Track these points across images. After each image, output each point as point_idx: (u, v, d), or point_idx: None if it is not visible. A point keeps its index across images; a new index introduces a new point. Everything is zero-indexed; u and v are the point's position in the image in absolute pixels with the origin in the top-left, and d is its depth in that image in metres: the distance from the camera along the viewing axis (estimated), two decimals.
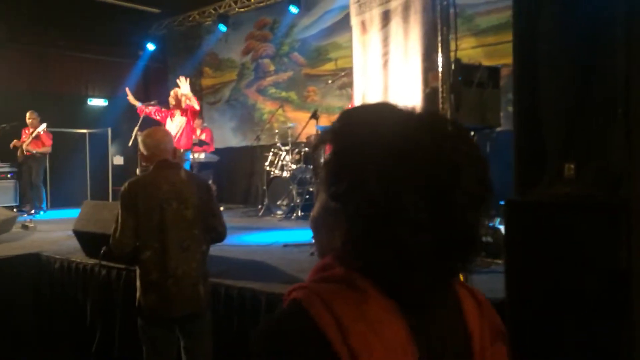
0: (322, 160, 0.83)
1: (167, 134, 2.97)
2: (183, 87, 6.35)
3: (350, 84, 8.61)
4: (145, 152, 2.80)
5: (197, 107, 6.41)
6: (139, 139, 2.92)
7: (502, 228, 3.99)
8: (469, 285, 0.86)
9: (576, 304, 2.19)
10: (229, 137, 10.87)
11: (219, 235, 2.91)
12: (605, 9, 2.17)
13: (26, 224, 6.77)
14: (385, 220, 0.70)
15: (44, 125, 8.57)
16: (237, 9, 10.15)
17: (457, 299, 0.81)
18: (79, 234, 4.46)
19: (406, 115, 0.78)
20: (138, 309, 2.75)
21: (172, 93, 6.51)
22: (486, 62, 4.32)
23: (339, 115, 0.82)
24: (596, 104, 2.20)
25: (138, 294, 2.74)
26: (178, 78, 6.50)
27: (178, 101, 6.43)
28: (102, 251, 4.10)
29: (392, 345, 0.69)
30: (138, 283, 2.75)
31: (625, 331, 2.09)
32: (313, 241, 0.90)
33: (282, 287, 3.38)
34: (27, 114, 8.65)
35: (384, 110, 0.80)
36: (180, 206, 2.73)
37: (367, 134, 0.74)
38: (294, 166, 7.52)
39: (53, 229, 6.82)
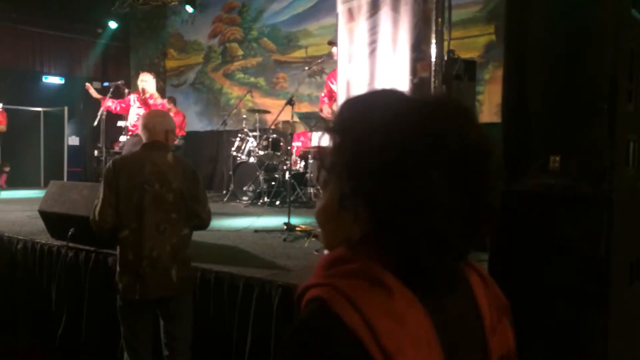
0: (329, 151, 0.78)
1: (161, 114, 2.97)
2: (150, 85, 6.15)
3: (320, 72, 8.63)
4: (139, 132, 2.81)
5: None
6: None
7: None
8: (469, 261, 0.84)
9: (556, 292, 2.27)
10: (193, 121, 10.69)
11: (202, 222, 2.92)
12: (593, 5, 2.25)
13: None
14: (417, 208, 0.69)
15: None
16: None
17: (465, 279, 0.81)
18: (45, 215, 4.31)
19: (422, 100, 0.76)
20: (116, 289, 2.75)
21: (140, 86, 6.26)
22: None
23: (345, 103, 0.80)
24: (582, 98, 2.28)
25: (117, 273, 2.74)
26: (142, 73, 6.27)
27: (144, 98, 6.24)
28: (69, 232, 4.00)
29: (419, 341, 0.68)
30: (117, 262, 2.75)
31: (601, 318, 2.19)
32: (319, 232, 0.87)
33: (259, 272, 3.37)
34: None
35: (397, 97, 0.78)
36: (162, 189, 2.70)
37: (389, 120, 0.72)
38: (261, 152, 7.47)
39: (11, 209, 6.56)
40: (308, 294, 0.73)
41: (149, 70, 6.60)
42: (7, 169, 11.09)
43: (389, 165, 0.69)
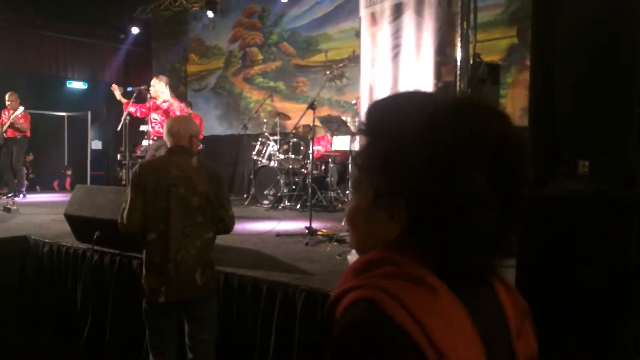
0: (361, 152, 0.79)
1: (186, 120, 3.00)
2: (159, 89, 6.17)
3: (340, 77, 8.64)
4: (164, 137, 2.85)
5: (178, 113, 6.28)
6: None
7: None
8: None
9: (587, 299, 2.24)
10: (214, 125, 10.77)
11: (226, 226, 2.95)
12: (624, 8, 2.22)
13: (8, 206, 6.60)
14: (458, 204, 0.69)
15: (21, 109, 8.35)
16: None
17: (489, 282, 0.82)
18: (71, 218, 4.37)
19: (452, 100, 0.77)
20: (142, 291, 2.77)
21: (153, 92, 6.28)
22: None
23: (373, 105, 0.81)
24: (612, 102, 2.24)
25: (143, 276, 2.76)
26: (154, 81, 6.28)
27: (155, 104, 6.27)
28: (95, 236, 4.06)
29: (467, 339, 0.69)
30: (143, 265, 2.77)
31: (633, 326, 2.15)
32: (349, 235, 0.87)
33: (282, 276, 3.37)
34: (7, 96, 8.42)
35: (425, 97, 0.79)
36: (188, 192, 2.73)
37: (424, 118, 0.73)
38: (281, 156, 7.49)
39: (36, 212, 6.67)
40: (348, 297, 0.72)
41: (163, 74, 6.63)
42: (69, 172, 11.35)
43: (429, 162, 0.70)
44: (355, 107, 6.81)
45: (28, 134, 8.57)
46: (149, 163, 2.81)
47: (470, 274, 0.74)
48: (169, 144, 2.80)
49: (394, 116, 0.76)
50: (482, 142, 0.71)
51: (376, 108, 0.79)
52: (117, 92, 6.60)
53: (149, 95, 6.55)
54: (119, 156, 10.53)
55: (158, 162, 2.80)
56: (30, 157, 10.77)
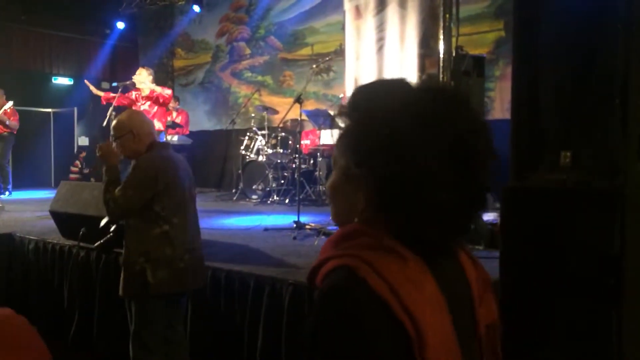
0: (340, 133, 0.88)
1: (141, 115, 3.06)
2: (142, 79, 6.08)
3: (327, 70, 8.62)
4: (139, 132, 2.73)
5: (166, 95, 6.21)
6: (124, 118, 2.85)
7: (483, 216, 4.09)
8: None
9: (569, 289, 2.26)
10: (202, 120, 10.71)
11: None
12: (607, 1, 2.23)
13: None
14: (416, 181, 0.76)
15: (10, 103, 8.26)
16: None
17: (455, 253, 0.90)
18: (56, 215, 4.33)
19: (420, 85, 0.85)
20: (146, 287, 2.65)
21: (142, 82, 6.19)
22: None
23: (355, 90, 0.88)
24: (594, 93, 2.26)
25: (147, 272, 2.64)
26: (139, 70, 6.19)
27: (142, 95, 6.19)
28: (81, 232, 4.02)
29: (434, 304, 0.77)
30: (143, 262, 2.65)
31: (615, 315, 2.17)
32: (329, 208, 0.94)
33: (270, 270, 3.38)
34: None
35: (399, 83, 0.86)
36: (191, 183, 2.88)
37: (391, 103, 0.80)
38: (270, 150, 7.47)
39: (22, 209, 6.61)
40: (327, 266, 0.80)
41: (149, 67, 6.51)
42: (82, 155, 11.32)
43: (393, 141, 0.77)
44: (341, 100, 6.80)
45: (14, 131, 8.48)
46: (160, 159, 2.72)
47: (431, 245, 0.81)
48: (148, 140, 2.74)
49: (369, 99, 0.84)
50: (444, 127, 0.77)
51: (356, 92, 0.87)
52: (92, 86, 6.55)
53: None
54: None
55: (163, 157, 2.74)
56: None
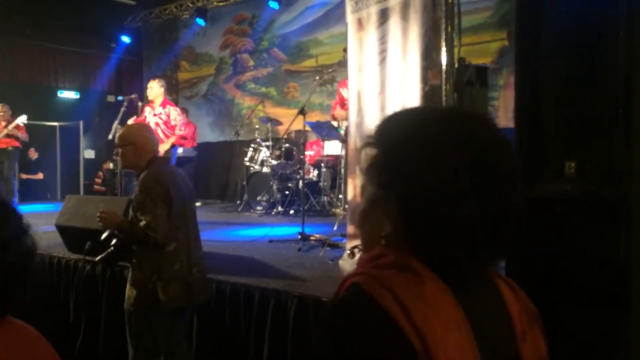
0: (367, 161, 0.89)
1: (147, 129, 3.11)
2: (155, 92, 6.12)
3: (331, 81, 8.65)
4: (142, 146, 2.76)
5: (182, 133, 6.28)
6: (131, 130, 2.91)
7: None
8: (499, 273, 0.91)
9: (575, 297, 2.25)
10: (206, 132, 10.75)
11: None
12: (607, 9, 2.23)
13: None
14: (435, 198, 0.77)
15: (24, 117, 8.33)
16: (215, 3, 10.05)
17: (493, 282, 0.87)
18: (62, 229, 4.35)
19: (441, 110, 0.90)
20: (157, 304, 2.67)
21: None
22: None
23: (382, 121, 0.91)
24: (597, 102, 2.26)
25: (158, 289, 2.67)
26: (150, 83, 6.22)
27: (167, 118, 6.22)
28: (86, 246, 4.04)
29: (449, 322, 0.75)
30: (155, 280, 2.68)
31: (622, 322, 2.16)
32: (358, 235, 0.94)
33: (275, 282, 3.38)
34: None
35: (419, 110, 0.91)
36: (191, 197, 2.93)
37: (409, 128, 0.84)
38: (274, 162, 7.49)
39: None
40: (346, 283, 0.83)
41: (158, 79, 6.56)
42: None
43: (410, 163, 0.80)
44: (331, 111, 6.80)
45: (20, 145, 8.55)
46: (166, 174, 2.75)
47: (454, 266, 0.80)
48: (149, 157, 2.77)
49: (393, 127, 0.87)
50: (460, 145, 0.79)
51: (380, 123, 0.90)
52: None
53: (140, 104, 6.51)
54: (111, 165, 10.51)
55: (167, 172, 2.80)
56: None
